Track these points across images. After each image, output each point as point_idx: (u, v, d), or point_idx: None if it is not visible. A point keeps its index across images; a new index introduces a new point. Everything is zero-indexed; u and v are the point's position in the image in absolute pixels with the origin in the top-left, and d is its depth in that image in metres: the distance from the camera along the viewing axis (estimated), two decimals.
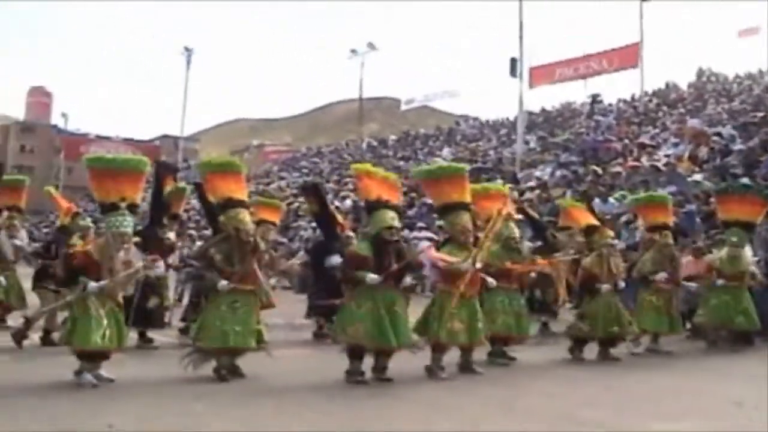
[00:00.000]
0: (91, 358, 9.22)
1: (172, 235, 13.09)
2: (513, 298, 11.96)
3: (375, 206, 10.44)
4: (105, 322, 9.09)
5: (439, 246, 11.35)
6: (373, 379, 9.94)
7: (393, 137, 62.46)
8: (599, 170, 26.86)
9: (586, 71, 50.02)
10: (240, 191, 10.59)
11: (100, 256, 9.31)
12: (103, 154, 10.21)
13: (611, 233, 13.26)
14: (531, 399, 9.35)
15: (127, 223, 9.46)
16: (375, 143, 61.41)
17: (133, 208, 9.64)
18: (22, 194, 15.04)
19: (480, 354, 11.31)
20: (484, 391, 9.72)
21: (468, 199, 11.08)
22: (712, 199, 19.04)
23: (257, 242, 10.38)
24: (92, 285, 9.12)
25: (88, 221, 13.75)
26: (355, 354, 9.98)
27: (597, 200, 19.89)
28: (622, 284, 12.54)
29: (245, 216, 10.35)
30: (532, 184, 28.37)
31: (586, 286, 12.55)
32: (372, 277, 9.84)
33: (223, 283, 9.84)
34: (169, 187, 12.84)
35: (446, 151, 45.12)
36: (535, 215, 14.86)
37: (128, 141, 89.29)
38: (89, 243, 10.39)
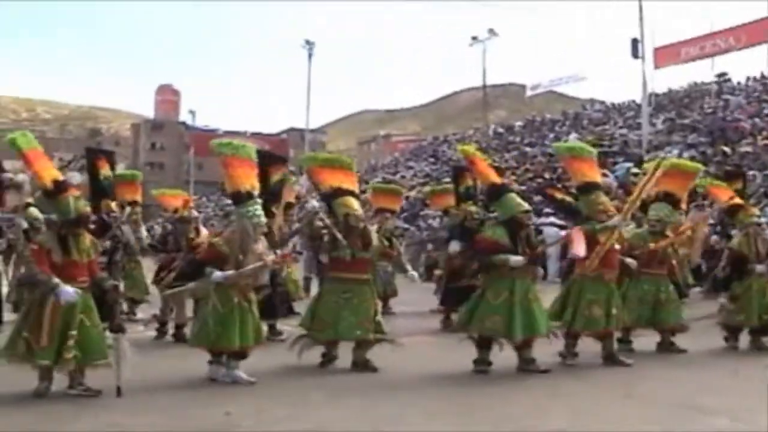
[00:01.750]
0: (227, 355, 9.04)
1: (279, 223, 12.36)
2: (660, 284, 11.37)
3: (501, 191, 10.24)
4: (235, 318, 8.87)
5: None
6: (524, 371, 9.68)
7: (519, 123, 62.36)
8: (728, 150, 26.70)
9: (712, 49, 49.01)
10: (349, 182, 10.57)
11: (230, 248, 9.00)
12: (232, 140, 9.88)
13: (756, 211, 12.74)
14: (650, 384, 9.32)
15: (261, 212, 9.15)
16: (501, 130, 61.52)
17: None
18: (138, 188, 15.41)
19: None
20: (602, 378, 9.68)
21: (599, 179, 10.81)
22: None
23: (367, 229, 10.26)
24: (216, 274, 8.84)
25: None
26: (485, 344, 9.86)
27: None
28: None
29: (353, 203, 10.25)
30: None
31: (734, 268, 11.83)
32: (517, 259, 9.56)
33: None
34: (276, 177, 12.18)
35: (572, 136, 45.09)
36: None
37: (256, 135, 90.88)
38: (213, 234, 10.28)
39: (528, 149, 45.09)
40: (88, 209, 8.45)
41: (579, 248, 9.78)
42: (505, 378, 9.52)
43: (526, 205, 10.13)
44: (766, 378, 9.36)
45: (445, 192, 16.50)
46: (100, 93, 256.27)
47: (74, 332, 8.00)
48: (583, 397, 8.61)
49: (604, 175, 29.10)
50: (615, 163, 29.99)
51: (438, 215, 28.81)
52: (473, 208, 14.25)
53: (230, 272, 8.86)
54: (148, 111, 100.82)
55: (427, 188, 20.86)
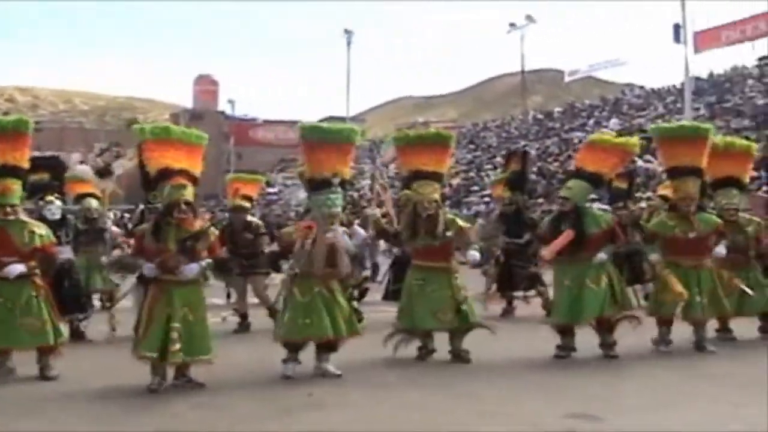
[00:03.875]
0: (292, 347, 8.72)
1: None
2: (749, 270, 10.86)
3: (577, 174, 10.18)
4: (320, 307, 8.55)
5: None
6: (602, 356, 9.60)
7: (558, 109, 62.26)
8: None
9: (753, 33, 48.70)
10: (435, 161, 10.02)
11: (300, 237, 8.75)
12: (317, 123, 9.63)
13: None
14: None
15: (339, 201, 8.81)
16: (540, 116, 61.47)
17: (345, 184, 9.02)
18: None
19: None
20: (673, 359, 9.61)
21: (702, 164, 10.22)
22: None
23: (437, 215, 9.74)
24: (286, 265, 8.75)
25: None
26: (567, 330, 9.75)
27: None
28: None
29: (426, 188, 9.79)
30: None
31: None
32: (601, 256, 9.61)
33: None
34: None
35: (613, 122, 44.98)
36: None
37: (296, 123, 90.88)
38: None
39: (568, 135, 45.00)
40: (186, 198, 8.26)
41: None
42: (585, 363, 9.46)
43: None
44: None
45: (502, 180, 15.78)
46: (137, 83, 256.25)
47: (177, 324, 7.95)
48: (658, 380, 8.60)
49: (648, 161, 29.16)
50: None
51: (483, 201, 28.70)
52: (507, 194, 14.18)
53: (295, 258, 8.65)
54: (185, 101, 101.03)
55: (492, 178, 20.79)
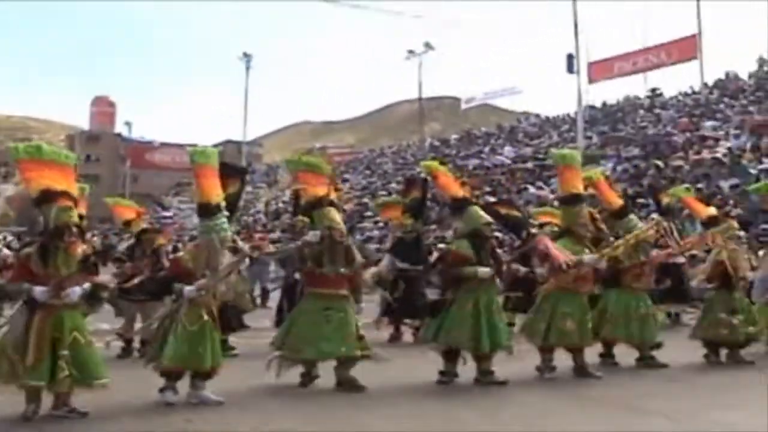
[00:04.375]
0: (173, 376, 8.49)
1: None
2: (641, 299, 11.04)
3: (464, 203, 10.17)
4: (206, 336, 8.41)
5: (554, 238, 10.81)
6: (482, 383, 9.58)
7: (455, 136, 62.85)
8: (661, 164, 27.05)
9: (645, 65, 50.00)
10: (328, 191, 9.98)
11: (196, 263, 8.58)
12: (206, 148, 9.42)
13: (736, 224, 12.34)
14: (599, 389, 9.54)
15: (227, 225, 8.79)
16: (437, 143, 61.92)
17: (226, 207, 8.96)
18: (84, 202, 14.77)
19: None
20: (556, 385, 9.71)
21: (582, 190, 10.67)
22: None
23: (350, 244, 9.84)
24: (188, 289, 8.39)
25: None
26: (451, 356, 9.68)
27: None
28: (750, 276, 11.80)
29: (336, 215, 9.82)
30: None
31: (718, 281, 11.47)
32: (484, 270, 9.58)
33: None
34: (232, 189, 10.92)
35: (508, 149, 45.47)
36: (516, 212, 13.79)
37: (192, 147, 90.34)
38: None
39: (464, 162, 45.32)
40: (74, 220, 7.92)
41: (559, 256, 9.98)
42: (464, 389, 9.46)
43: (488, 218, 10.09)
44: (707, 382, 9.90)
45: (394, 204, 16.00)
46: (32, 103, 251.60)
47: (65, 351, 7.62)
48: (536, 405, 8.68)
49: (540, 188, 29.50)
50: (551, 177, 30.16)
51: (377, 228, 28.69)
52: (408, 221, 14.10)
53: (201, 282, 8.43)
54: (82, 122, 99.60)
55: (380, 200, 20.94)
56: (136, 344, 12.10)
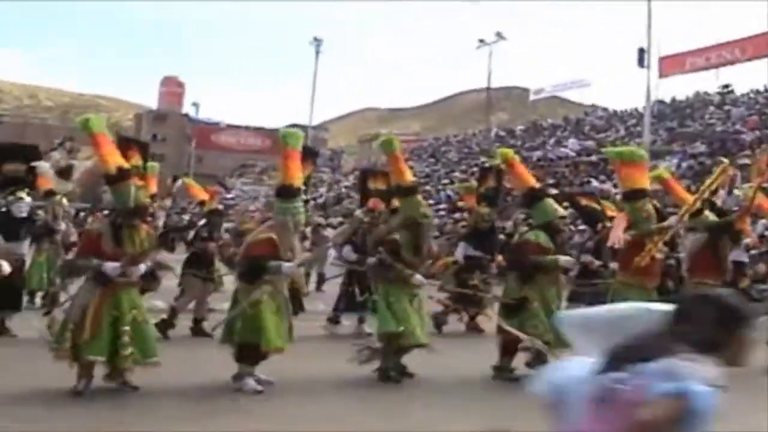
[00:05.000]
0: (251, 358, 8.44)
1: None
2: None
3: (539, 195, 10.15)
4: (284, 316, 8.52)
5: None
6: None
7: (521, 127, 62.53)
8: (726, 161, 26.63)
9: (717, 60, 49.24)
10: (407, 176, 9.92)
11: (282, 244, 8.51)
12: (296, 130, 9.33)
13: None
14: None
15: (303, 209, 8.85)
16: (503, 133, 61.61)
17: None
18: (153, 181, 14.52)
19: None
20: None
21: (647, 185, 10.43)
22: None
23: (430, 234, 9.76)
24: (286, 266, 8.40)
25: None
26: (510, 350, 9.50)
27: (721, 192, 19.87)
28: None
29: (423, 202, 9.81)
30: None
31: None
32: (567, 259, 9.75)
33: (419, 277, 9.35)
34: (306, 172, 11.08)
35: (572, 141, 45.16)
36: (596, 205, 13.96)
37: (258, 130, 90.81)
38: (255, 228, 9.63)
39: (529, 153, 45.11)
40: (148, 201, 8.12)
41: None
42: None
43: (562, 211, 10.07)
44: None
45: (470, 191, 15.78)
46: (103, 82, 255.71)
47: (127, 328, 7.76)
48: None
49: (602, 181, 29.23)
50: (613, 171, 29.94)
51: (438, 215, 28.64)
52: (485, 210, 13.96)
53: (297, 261, 8.64)
54: (150, 102, 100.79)
55: (458, 185, 21.07)
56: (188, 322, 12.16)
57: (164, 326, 11.52)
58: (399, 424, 7.50)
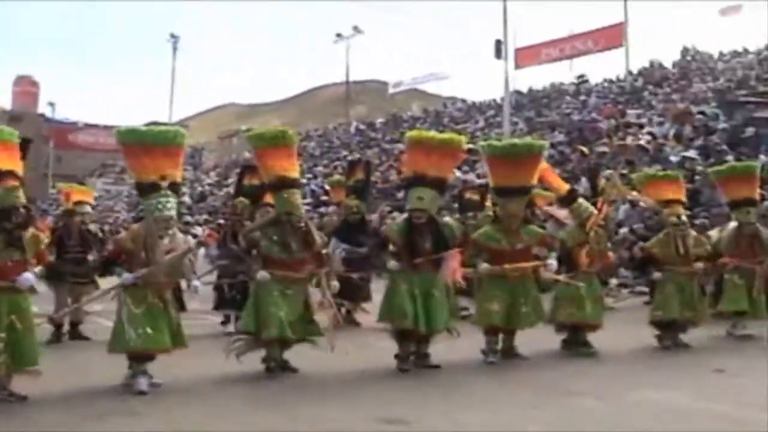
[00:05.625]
0: (138, 359, 8.37)
1: None
2: (591, 282, 10.90)
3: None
4: (145, 320, 8.21)
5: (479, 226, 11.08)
6: (416, 366, 9.62)
7: (380, 120, 62.65)
8: (585, 150, 27.11)
9: (571, 51, 50.46)
10: (293, 169, 9.62)
11: (135, 245, 8.36)
12: (135, 126, 8.97)
13: (681, 210, 11.79)
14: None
15: (171, 205, 8.38)
16: (363, 126, 61.65)
17: (175, 187, 8.53)
18: None
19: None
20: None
21: (531, 183, 10.49)
22: (697, 177, 19.41)
23: (310, 228, 9.60)
24: (126, 276, 8.24)
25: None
26: (404, 337, 9.64)
27: (583, 180, 20.11)
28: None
29: (298, 198, 9.55)
30: None
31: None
32: (392, 264, 9.60)
33: (263, 274, 9.17)
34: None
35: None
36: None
37: (116, 128, 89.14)
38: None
39: (390, 146, 45.16)
40: (21, 201, 7.72)
41: None
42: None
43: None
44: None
45: (339, 185, 16.26)
46: None
47: (2, 334, 7.52)
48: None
49: (465, 172, 29.33)
50: (476, 161, 30.05)
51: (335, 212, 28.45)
52: (354, 203, 14.15)
53: (142, 271, 8.25)
54: (4, 102, 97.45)
55: (328, 179, 21.00)
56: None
57: (54, 339, 11.73)
58: (287, 420, 7.36)
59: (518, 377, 9.35)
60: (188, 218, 24.50)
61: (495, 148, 10.53)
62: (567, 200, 11.33)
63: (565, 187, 11.59)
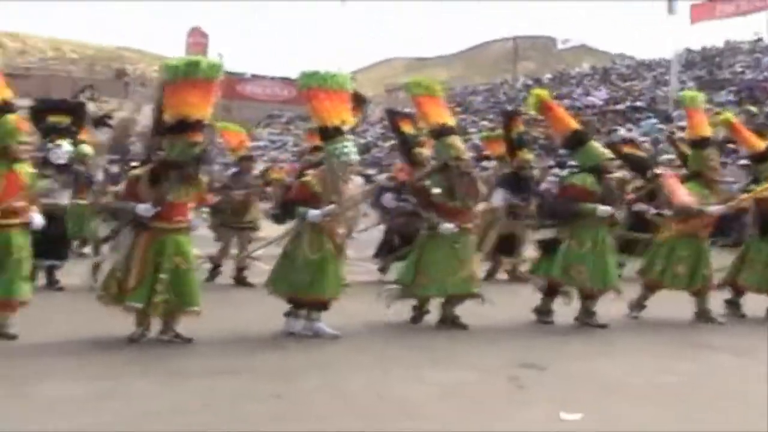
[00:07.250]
0: (309, 307, 8.52)
1: None
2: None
3: (584, 138, 9.84)
4: (328, 266, 8.32)
5: (682, 181, 10.28)
6: (582, 323, 9.49)
7: (548, 76, 62.20)
8: (754, 110, 26.50)
9: (748, 7, 48.74)
10: (447, 116, 9.62)
11: (322, 188, 8.36)
12: (317, 70, 8.73)
13: None
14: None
15: (352, 150, 8.39)
16: (530, 82, 61.35)
17: (353, 131, 8.64)
18: None
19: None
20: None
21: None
22: None
23: (475, 176, 9.44)
24: (312, 213, 8.21)
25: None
26: (552, 293, 9.68)
27: None
28: None
29: (461, 144, 9.46)
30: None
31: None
32: (604, 209, 9.24)
33: (448, 225, 8.96)
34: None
35: (600, 91, 45.04)
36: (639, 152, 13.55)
37: (285, 80, 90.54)
38: (284, 172, 9.78)
39: (557, 102, 44.98)
40: (196, 153, 7.89)
41: (683, 196, 9.81)
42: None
43: (610, 153, 9.93)
44: None
45: (498, 138, 14.90)
46: (127, 34, 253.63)
47: (164, 275, 7.68)
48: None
49: (629, 129, 29.29)
50: (640, 119, 30.02)
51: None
52: (528, 156, 13.70)
53: (329, 208, 8.27)
54: (174, 53, 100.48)
55: (483, 134, 20.80)
56: (228, 270, 12.39)
57: (211, 277, 12.16)
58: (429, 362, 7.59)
59: (658, 332, 9.35)
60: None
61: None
62: (763, 158, 10.74)
63: (761, 144, 10.87)
